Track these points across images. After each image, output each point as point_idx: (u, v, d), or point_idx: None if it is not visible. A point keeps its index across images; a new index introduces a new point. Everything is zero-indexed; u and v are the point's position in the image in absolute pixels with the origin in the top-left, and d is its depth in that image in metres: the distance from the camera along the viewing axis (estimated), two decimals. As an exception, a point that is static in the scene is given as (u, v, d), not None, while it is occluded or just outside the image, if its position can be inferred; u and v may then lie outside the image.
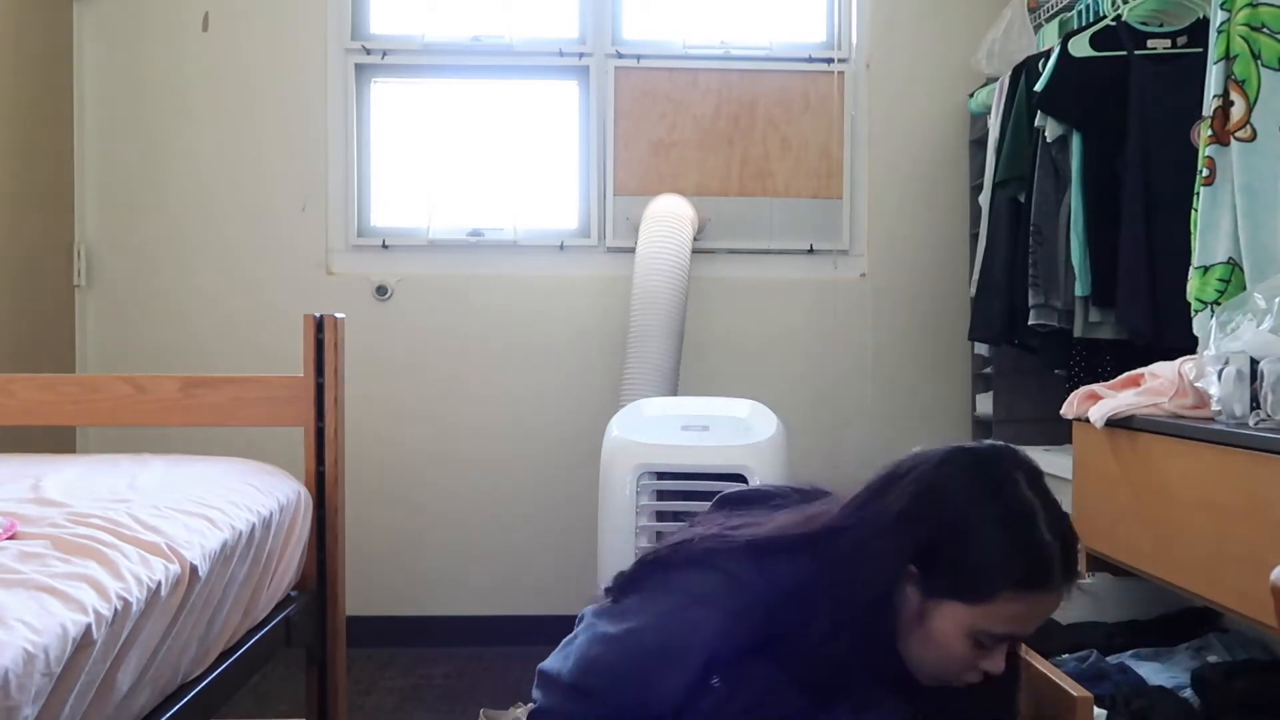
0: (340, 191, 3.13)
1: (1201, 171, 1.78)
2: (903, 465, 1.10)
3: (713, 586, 1.08)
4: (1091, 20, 2.42)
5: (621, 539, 2.17)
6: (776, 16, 3.21)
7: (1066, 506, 2.12)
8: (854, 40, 3.17)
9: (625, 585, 1.16)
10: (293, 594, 1.90)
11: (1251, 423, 1.37)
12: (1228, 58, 1.72)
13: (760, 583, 1.07)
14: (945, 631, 1.03)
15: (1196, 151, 1.84)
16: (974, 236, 2.86)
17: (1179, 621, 1.85)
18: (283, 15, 3.10)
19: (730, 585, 1.07)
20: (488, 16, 3.17)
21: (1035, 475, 1.08)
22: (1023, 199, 2.46)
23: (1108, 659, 1.58)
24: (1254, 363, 1.38)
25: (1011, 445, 1.11)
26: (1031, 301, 2.36)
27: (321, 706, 2.02)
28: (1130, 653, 1.68)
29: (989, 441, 1.13)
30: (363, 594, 2.71)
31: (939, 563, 1.03)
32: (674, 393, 2.79)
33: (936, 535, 1.03)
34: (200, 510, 1.54)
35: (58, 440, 2.89)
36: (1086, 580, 1.83)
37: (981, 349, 2.98)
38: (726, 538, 1.12)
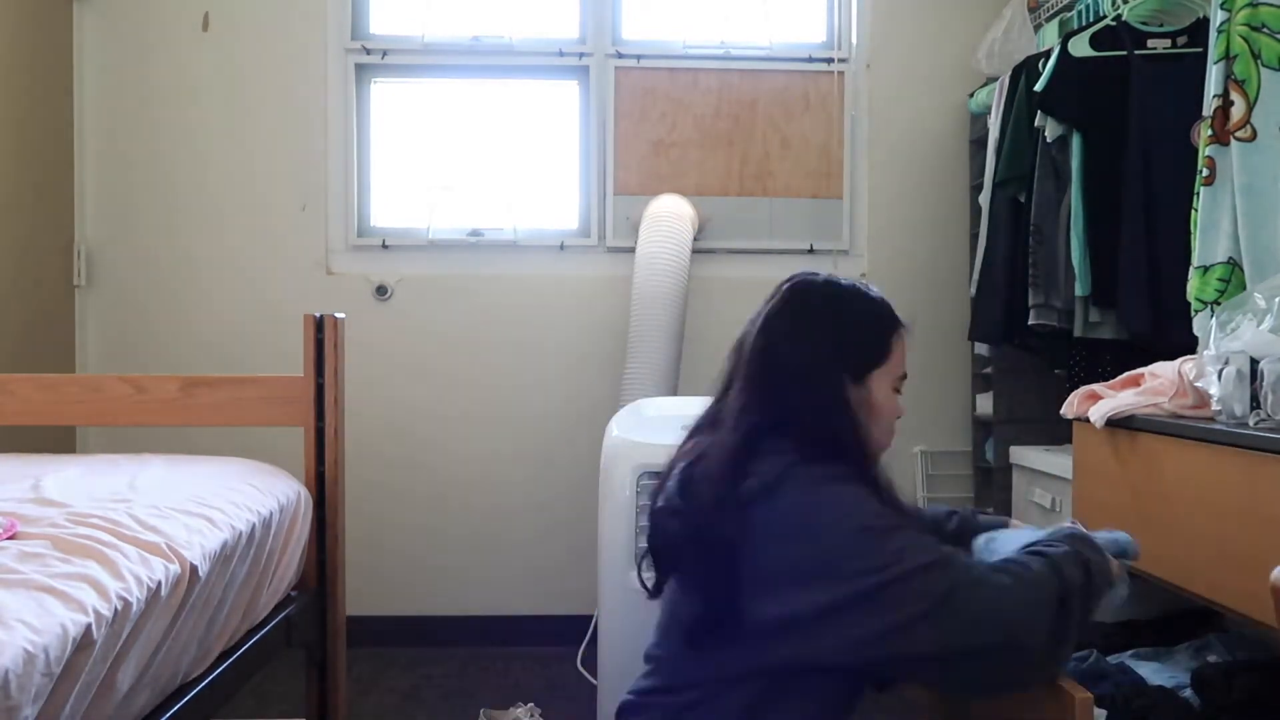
0: (340, 191, 3.13)
1: (1201, 171, 1.78)
2: (763, 329, 1.33)
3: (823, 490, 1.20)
4: (1091, 20, 2.42)
5: (622, 539, 2.17)
6: (776, 16, 3.21)
7: (1067, 506, 2.13)
8: (854, 40, 3.17)
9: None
10: (293, 594, 1.90)
11: (1251, 423, 1.37)
12: (1228, 58, 1.72)
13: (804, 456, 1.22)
14: (882, 398, 1.30)
15: (1196, 151, 1.84)
16: (974, 236, 2.86)
17: (1179, 621, 1.85)
18: (282, 15, 3.10)
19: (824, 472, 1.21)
20: (488, 16, 3.17)
21: (831, 275, 1.41)
22: (1023, 199, 2.46)
23: (1108, 659, 1.58)
24: (1254, 363, 1.38)
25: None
26: (1031, 301, 2.36)
27: (321, 706, 2.02)
28: (1130, 652, 1.67)
29: (794, 277, 1.40)
30: (363, 594, 2.71)
31: (850, 354, 1.30)
32: (674, 393, 2.79)
33: (836, 339, 1.30)
34: (200, 510, 1.54)
35: (58, 440, 2.89)
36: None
37: (981, 349, 2.98)
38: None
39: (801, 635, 1.15)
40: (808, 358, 1.28)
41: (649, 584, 1.33)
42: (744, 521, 1.17)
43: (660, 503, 1.31)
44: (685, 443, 1.37)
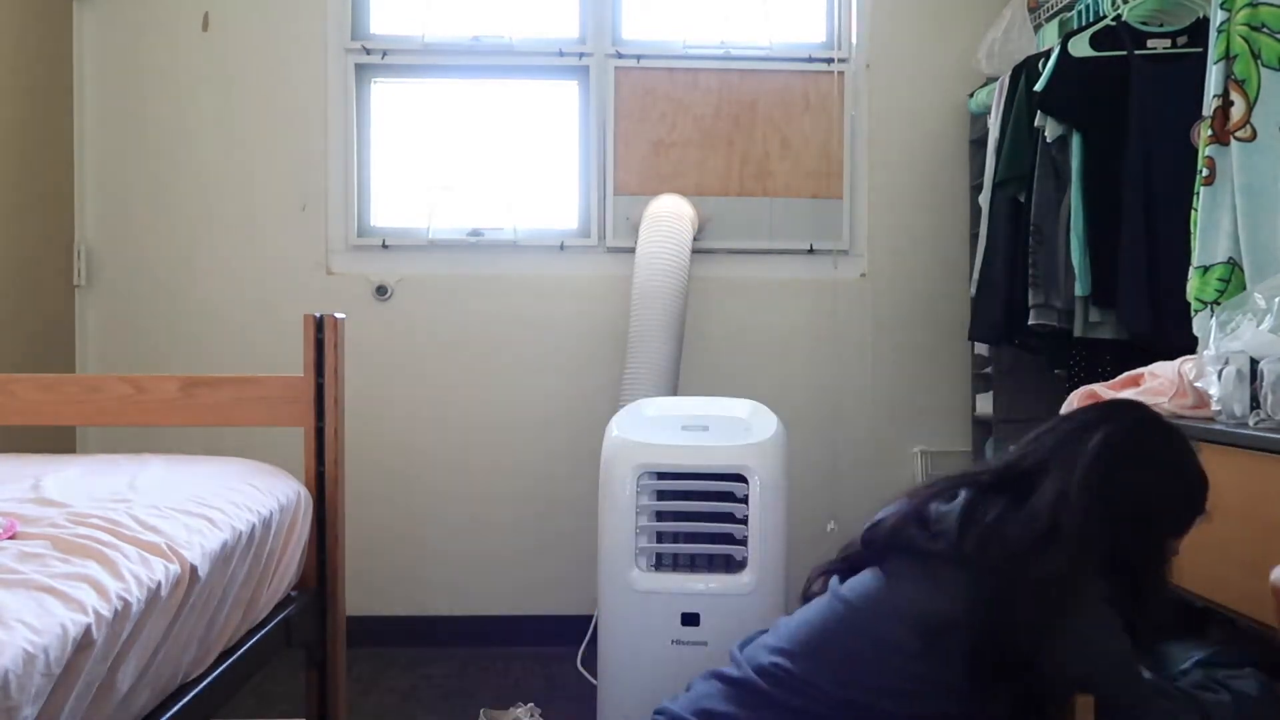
0: (340, 191, 3.13)
1: (1201, 171, 1.78)
2: (1110, 455, 1.34)
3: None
4: (1091, 20, 2.42)
5: (622, 539, 2.17)
6: (776, 16, 3.21)
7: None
8: (854, 40, 3.17)
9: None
10: (293, 594, 1.90)
11: (1251, 423, 1.37)
12: (1228, 58, 1.72)
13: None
14: (1168, 558, 1.36)
15: (1196, 151, 1.84)
16: (974, 236, 2.86)
17: (1179, 621, 1.84)
18: (282, 15, 3.10)
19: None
20: (488, 16, 3.17)
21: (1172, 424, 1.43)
22: (1023, 199, 2.46)
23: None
24: (1254, 363, 1.38)
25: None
26: (1031, 301, 2.36)
27: (321, 706, 2.02)
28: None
29: (1139, 405, 1.44)
30: (363, 594, 2.71)
31: (1160, 517, 1.34)
32: (674, 393, 2.79)
33: (1179, 489, 1.34)
34: (200, 510, 1.54)
35: (58, 440, 2.89)
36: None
37: (981, 349, 2.98)
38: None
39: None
40: (1150, 495, 1.33)
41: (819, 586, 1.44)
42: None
43: (907, 522, 1.38)
44: (946, 485, 1.43)
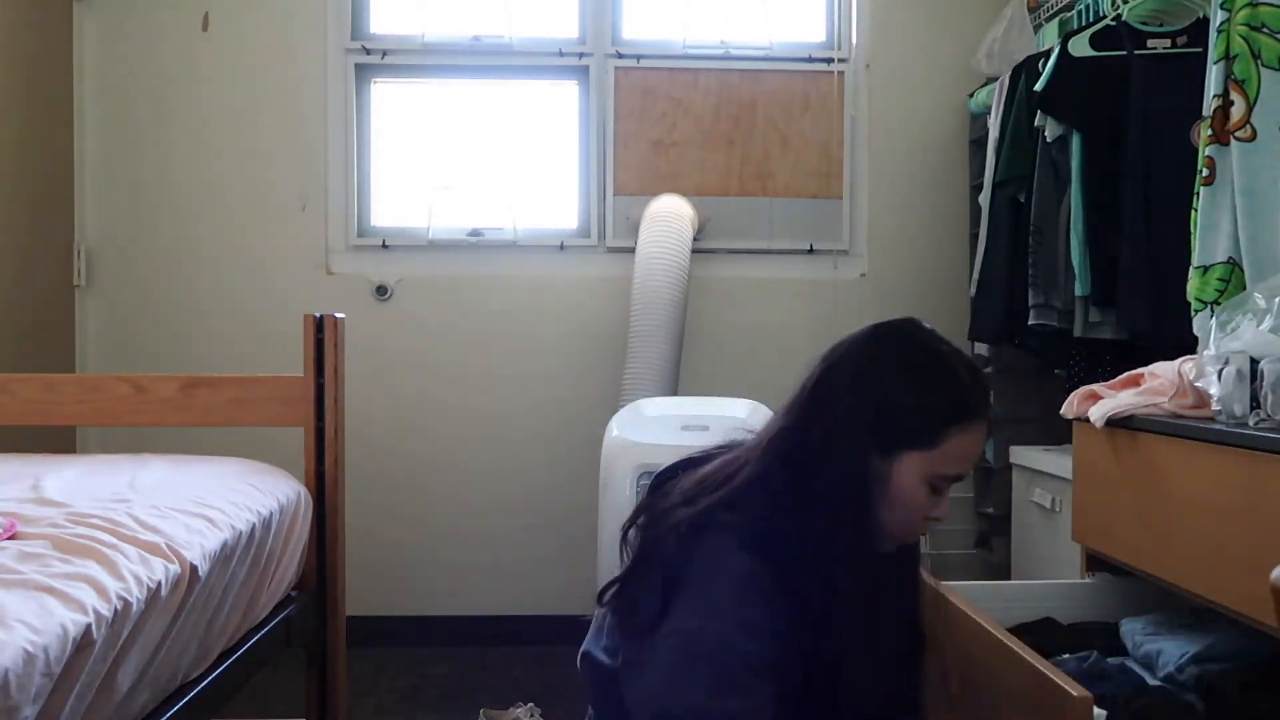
0: (340, 191, 3.13)
1: (1201, 171, 1.78)
2: (831, 359, 1.19)
3: (724, 556, 1.09)
4: (1091, 20, 2.42)
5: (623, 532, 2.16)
6: (776, 16, 3.21)
7: (1067, 506, 2.13)
8: (854, 40, 3.17)
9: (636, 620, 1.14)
10: (293, 594, 1.90)
11: (1251, 423, 1.37)
12: (1228, 58, 1.72)
13: (758, 518, 1.11)
14: (907, 484, 1.13)
15: (1196, 151, 1.83)
16: (974, 236, 2.86)
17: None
18: (283, 15, 3.10)
19: (738, 545, 1.10)
20: (487, 16, 3.17)
21: (936, 333, 1.22)
22: (1023, 199, 2.46)
23: (1108, 659, 1.57)
24: (1254, 363, 1.38)
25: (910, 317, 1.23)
26: (1031, 301, 2.36)
27: (321, 706, 2.02)
28: (1142, 625, 1.66)
29: (893, 318, 1.23)
30: (363, 594, 2.71)
31: (888, 424, 1.13)
32: (674, 393, 2.79)
33: (881, 401, 1.13)
34: (200, 510, 1.54)
35: (58, 440, 2.89)
36: (1087, 580, 1.83)
37: (981, 349, 2.98)
38: (698, 516, 1.13)
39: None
40: (848, 399, 1.14)
41: None
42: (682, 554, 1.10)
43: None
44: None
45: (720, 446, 1.26)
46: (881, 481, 1.13)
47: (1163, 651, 1.56)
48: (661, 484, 1.25)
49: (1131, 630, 1.65)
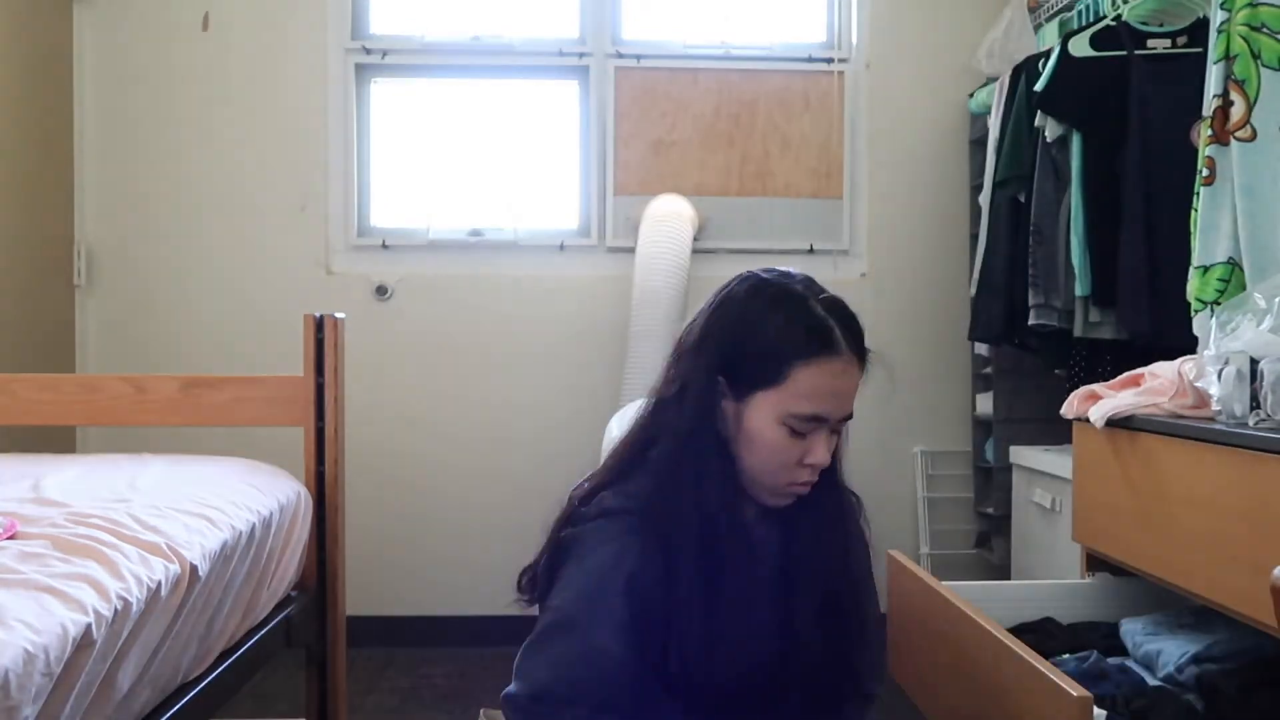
0: (340, 191, 3.13)
1: (1201, 171, 1.78)
2: (696, 317, 1.20)
3: (594, 534, 1.15)
4: (1091, 20, 2.42)
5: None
6: (776, 16, 3.21)
7: (1067, 506, 2.13)
8: (854, 40, 3.17)
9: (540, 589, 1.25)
10: (293, 594, 1.90)
11: (1251, 423, 1.37)
12: (1228, 58, 1.72)
13: (631, 491, 1.15)
14: (761, 425, 1.12)
15: (1196, 151, 1.84)
16: (974, 236, 2.86)
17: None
18: (282, 15, 3.10)
19: (608, 522, 1.14)
20: (487, 16, 3.17)
21: (812, 282, 1.18)
22: (1023, 199, 2.46)
23: (1108, 659, 1.57)
24: (1254, 363, 1.38)
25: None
26: (1031, 301, 2.36)
27: (321, 706, 2.02)
28: (1142, 625, 1.66)
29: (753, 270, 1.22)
30: (363, 594, 2.71)
31: (737, 364, 1.13)
32: (674, 393, 2.79)
33: (728, 340, 1.14)
34: (200, 510, 1.54)
35: (58, 440, 2.89)
36: (1087, 580, 1.83)
37: (981, 349, 2.98)
38: (585, 487, 1.21)
39: None
40: (698, 348, 1.16)
41: None
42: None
43: None
44: None
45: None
46: (739, 427, 1.13)
47: (1163, 651, 1.56)
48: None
49: (1131, 630, 1.65)
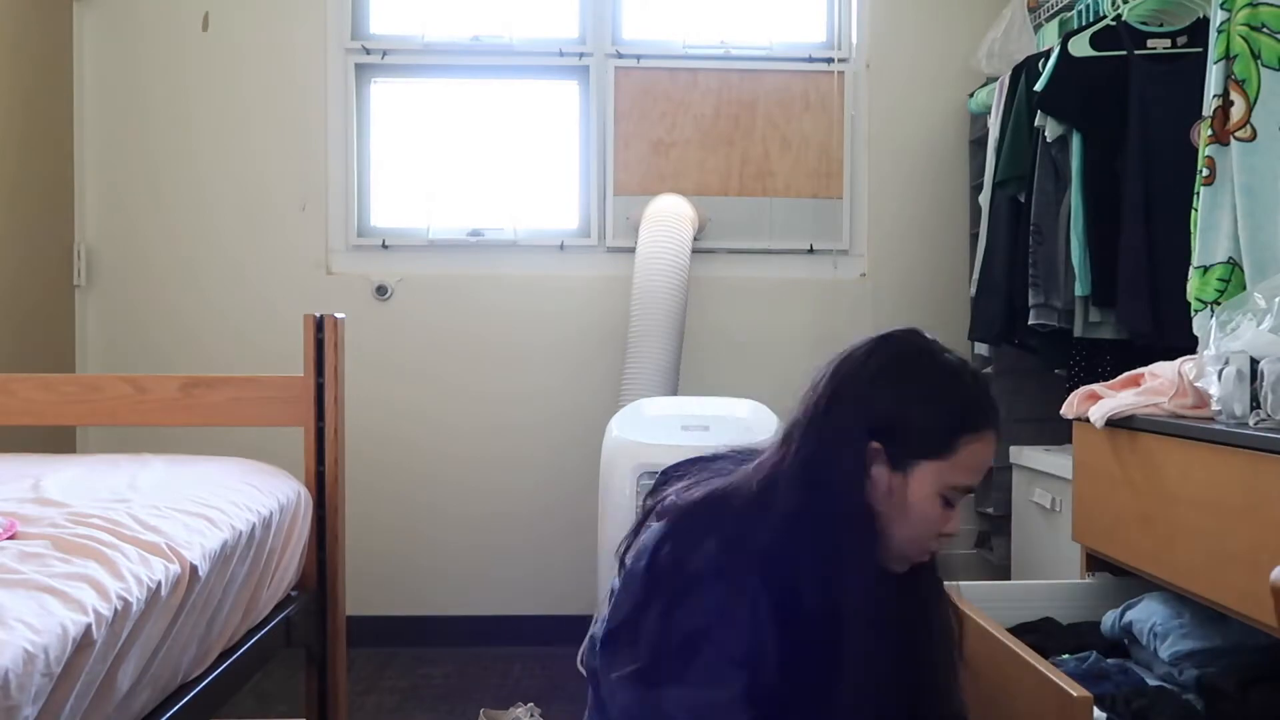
0: (340, 191, 3.13)
1: (1201, 171, 1.78)
2: (838, 371, 1.14)
3: (716, 603, 1.06)
4: (1091, 20, 2.42)
5: (622, 538, 2.17)
6: (776, 16, 3.21)
7: (1067, 506, 2.13)
8: (854, 40, 3.17)
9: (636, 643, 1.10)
10: (293, 594, 1.90)
11: (1251, 423, 1.37)
12: (1228, 57, 1.72)
13: (751, 551, 1.08)
14: (921, 494, 1.10)
15: (1196, 151, 1.84)
16: (974, 236, 2.86)
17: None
18: (283, 15, 3.10)
19: (731, 590, 1.06)
20: (488, 16, 3.17)
21: (939, 342, 1.18)
22: (1023, 199, 2.46)
23: (1108, 659, 1.57)
24: (1254, 363, 1.38)
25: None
26: (1031, 301, 2.36)
27: (321, 706, 2.02)
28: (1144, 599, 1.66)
29: (896, 327, 1.19)
30: (363, 594, 2.71)
31: (900, 434, 1.10)
32: (674, 393, 2.79)
33: (891, 412, 1.11)
34: (200, 510, 1.54)
35: (58, 440, 2.89)
36: (1087, 580, 1.83)
37: (981, 349, 2.98)
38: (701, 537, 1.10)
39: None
40: (853, 410, 1.10)
41: None
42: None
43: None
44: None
45: (730, 452, 1.24)
46: (895, 496, 1.10)
47: (1151, 619, 1.56)
48: (666, 481, 1.23)
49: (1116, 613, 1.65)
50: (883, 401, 1.11)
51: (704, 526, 1.10)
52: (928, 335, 1.18)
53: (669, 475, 1.25)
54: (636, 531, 1.19)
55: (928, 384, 1.12)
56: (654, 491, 1.24)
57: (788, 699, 1.08)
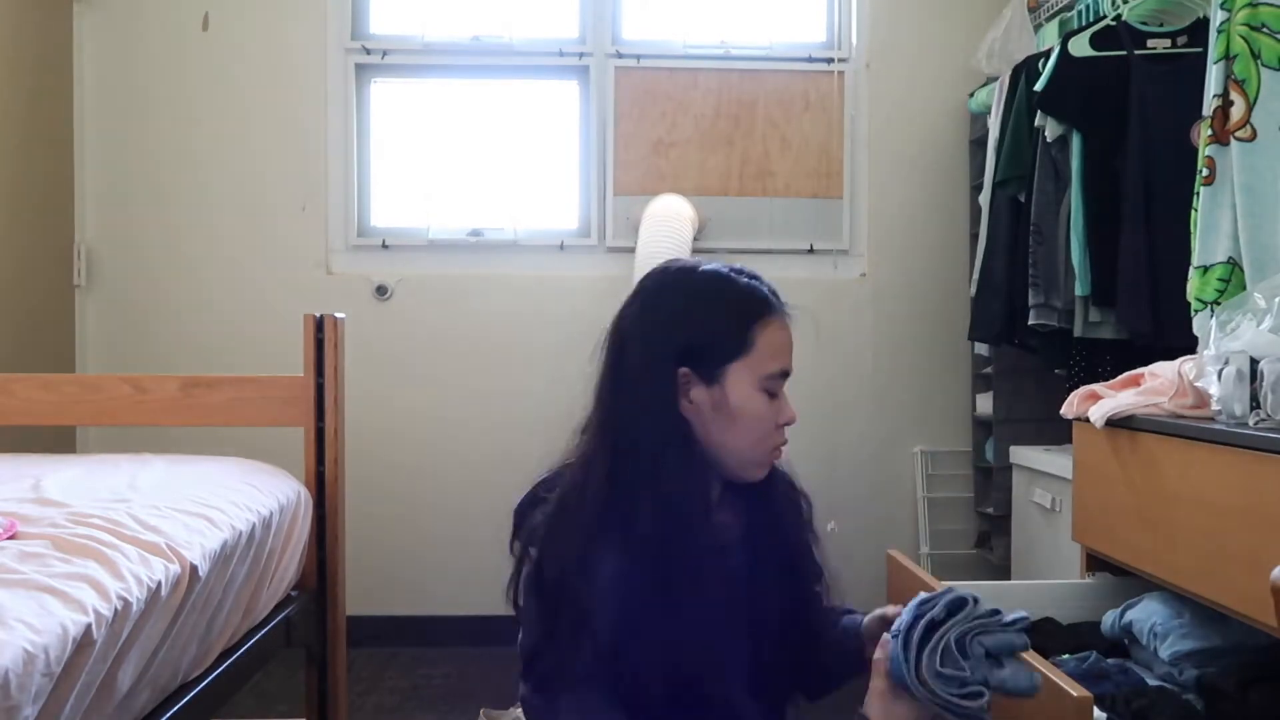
0: (340, 191, 3.13)
1: (1201, 171, 1.78)
2: (615, 331, 1.21)
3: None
4: (1091, 20, 2.42)
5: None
6: (776, 16, 3.21)
7: (1067, 506, 2.13)
8: (854, 40, 3.17)
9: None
10: (293, 594, 1.90)
11: (1251, 423, 1.37)
12: (1228, 57, 1.72)
13: (616, 529, 1.12)
14: (742, 395, 1.15)
15: (1196, 151, 1.84)
16: (974, 236, 2.86)
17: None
18: (283, 15, 3.10)
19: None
20: (488, 16, 3.17)
21: (696, 260, 1.24)
22: (1023, 199, 2.46)
23: (1108, 659, 1.57)
24: (1254, 363, 1.38)
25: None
26: (1031, 301, 2.36)
27: (321, 706, 2.02)
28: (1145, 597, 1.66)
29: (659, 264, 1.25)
30: (363, 594, 2.71)
31: (698, 351, 1.15)
32: (674, 393, 2.79)
33: (682, 329, 1.16)
34: (200, 510, 1.54)
35: (58, 440, 2.89)
36: (1087, 580, 1.83)
37: (981, 349, 2.98)
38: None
39: None
40: (644, 353, 1.16)
41: None
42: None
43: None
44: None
45: (562, 465, 1.29)
46: (721, 407, 1.14)
47: (1151, 619, 1.56)
48: (524, 517, 1.27)
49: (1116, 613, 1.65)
50: (674, 326, 1.16)
51: (568, 532, 1.15)
52: (681, 261, 1.25)
53: (524, 510, 1.29)
54: (519, 572, 1.25)
55: (700, 297, 1.18)
56: (516, 532, 1.28)
57: (696, 656, 1.11)
